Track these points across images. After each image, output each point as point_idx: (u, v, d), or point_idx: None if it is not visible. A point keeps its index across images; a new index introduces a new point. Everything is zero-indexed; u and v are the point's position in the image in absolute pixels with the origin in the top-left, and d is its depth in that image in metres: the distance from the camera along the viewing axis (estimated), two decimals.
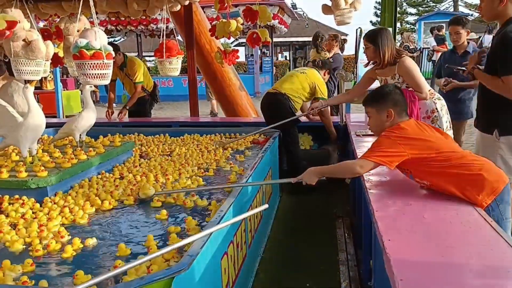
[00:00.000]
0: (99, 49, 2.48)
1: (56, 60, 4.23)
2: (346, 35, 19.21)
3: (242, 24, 4.77)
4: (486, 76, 2.52)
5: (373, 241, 1.88)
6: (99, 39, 2.49)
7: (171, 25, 5.99)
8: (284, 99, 4.14)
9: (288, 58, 25.72)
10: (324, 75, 4.40)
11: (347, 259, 2.72)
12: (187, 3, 4.43)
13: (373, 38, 3.12)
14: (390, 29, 4.51)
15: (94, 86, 3.27)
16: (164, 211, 2.17)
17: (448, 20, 5.06)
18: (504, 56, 2.33)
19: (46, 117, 2.77)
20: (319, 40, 5.73)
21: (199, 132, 4.25)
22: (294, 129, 4.24)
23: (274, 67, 18.78)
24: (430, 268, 1.26)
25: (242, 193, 2.25)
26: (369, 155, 1.96)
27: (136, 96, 5.27)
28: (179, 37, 6.57)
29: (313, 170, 2.17)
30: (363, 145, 3.05)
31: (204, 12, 8.64)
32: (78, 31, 3.62)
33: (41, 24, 5.77)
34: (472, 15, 29.68)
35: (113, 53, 2.59)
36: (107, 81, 2.61)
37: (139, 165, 3.12)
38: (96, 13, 4.82)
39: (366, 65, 3.48)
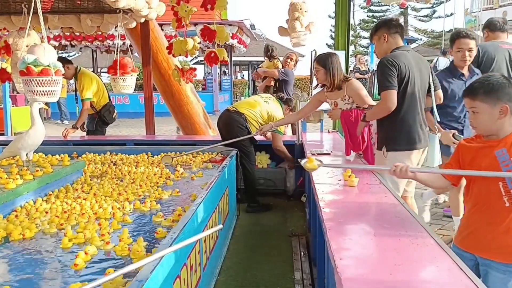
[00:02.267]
0: (48, 66, 2.40)
1: (4, 76, 4.06)
2: (303, 56, 19.72)
3: (200, 43, 4.78)
4: (370, 110, 2.93)
5: (326, 259, 1.90)
6: (48, 55, 2.41)
7: (128, 42, 5.91)
8: (241, 119, 4.17)
9: (246, 78, 25.97)
10: (286, 110, 4.49)
11: (302, 278, 2.72)
12: (142, 20, 4.40)
13: (323, 62, 3.29)
14: (343, 52, 4.69)
15: (44, 103, 3.15)
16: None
17: None
18: (379, 78, 2.72)
19: None
20: (270, 51, 5.84)
21: (155, 150, 4.16)
22: (250, 148, 4.26)
23: (233, 86, 18.88)
24: (378, 285, 1.28)
25: (196, 214, 2.21)
26: None
27: (84, 114, 4.93)
28: (136, 54, 6.48)
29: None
30: None
31: (162, 29, 8.61)
32: (27, 46, 3.49)
33: None
34: (421, 39, 31.44)
35: (62, 69, 2.51)
36: (55, 99, 2.52)
37: (85, 187, 2.96)
38: (48, 28, 4.70)
39: (315, 87, 3.61)
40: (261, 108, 4.29)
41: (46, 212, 2.41)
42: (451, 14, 32.23)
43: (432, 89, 2.90)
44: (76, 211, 2.42)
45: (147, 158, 3.95)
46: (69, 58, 5.54)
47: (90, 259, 1.83)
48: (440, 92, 3.03)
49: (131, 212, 2.45)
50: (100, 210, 2.42)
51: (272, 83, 5.57)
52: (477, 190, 1.87)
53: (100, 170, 3.50)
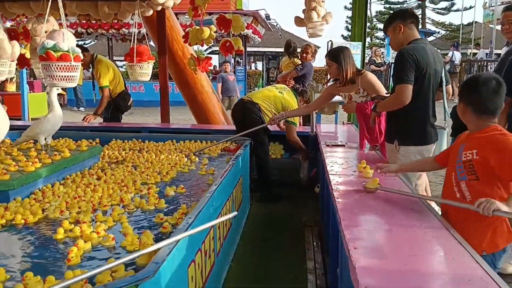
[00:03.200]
0: (67, 51, 2.43)
1: (22, 62, 4.12)
2: (318, 47, 19.54)
3: (216, 32, 4.78)
4: (382, 102, 2.84)
5: (340, 249, 1.90)
6: (67, 41, 2.44)
7: (144, 30, 5.94)
8: (255, 108, 4.17)
9: (260, 68, 25.89)
10: (300, 102, 4.47)
11: (315, 267, 2.73)
12: (159, 8, 4.41)
13: (335, 57, 3.26)
14: (360, 43, 4.64)
15: (61, 88, 3.19)
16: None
17: None
18: (396, 71, 2.64)
19: (10, 119, 2.68)
20: (291, 48, 5.81)
21: (169, 138, 4.19)
22: (264, 138, 4.27)
23: (247, 76, 18.84)
24: (393, 275, 1.29)
25: (211, 201, 2.23)
26: None
27: (104, 101, 5.02)
28: (152, 43, 6.51)
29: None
30: (333, 155, 3.10)
31: (178, 18, 8.62)
32: (46, 32, 3.53)
33: (8, 24, 5.60)
34: (438, 32, 30.90)
35: (81, 55, 2.54)
36: (74, 84, 2.54)
37: (102, 172, 2.98)
38: (66, 15, 4.73)
39: (328, 81, 3.59)
40: (276, 99, 4.29)
41: (58, 197, 2.44)
42: (470, 7, 31.66)
43: (444, 83, 2.84)
44: (86, 197, 2.42)
45: (172, 144, 4.02)
46: (85, 46, 5.60)
47: (83, 254, 1.73)
48: (450, 87, 2.97)
49: (133, 209, 2.29)
50: (104, 200, 2.38)
51: (292, 82, 5.54)
52: (446, 178, 2.03)
53: (120, 156, 3.53)
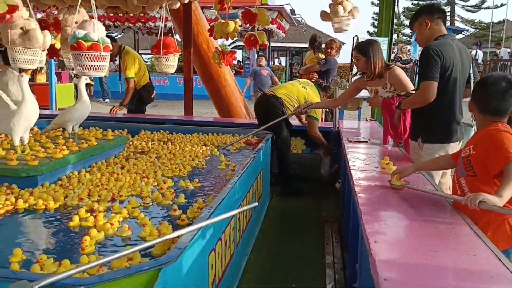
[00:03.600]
0: (97, 41, 2.49)
1: (52, 52, 4.22)
2: (343, 43, 19.32)
3: (240, 26, 4.80)
4: (407, 99, 2.81)
5: (360, 243, 1.91)
6: (98, 31, 2.50)
7: (170, 24, 6.00)
8: (277, 102, 4.18)
9: (284, 64, 25.81)
10: (323, 97, 4.46)
11: (333, 262, 2.74)
12: (186, 1, 4.45)
13: (364, 50, 3.21)
14: (386, 38, 4.59)
15: (90, 78, 3.27)
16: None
17: None
18: (421, 67, 2.60)
19: (39, 108, 2.77)
20: (317, 42, 5.78)
21: (192, 131, 4.25)
22: (286, 132, 4.27)
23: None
24: (413, 270, 1.29)
25: (232, 192, 2.26)
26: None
27: (129, 92, 5.13)
28: (177, 36, 6.58)
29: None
30: (355, 150, 3.09)
31: (203, 12, 8.67)
32: (76, 23, 3.62)
33: (39, 16, 5.75)
34: (467, 30, 30.13)
35: (110, 45, 2.60)
36: (103, 73, 2.61)
37: (126, 162, 3.04)
38: (96, 7, 4.83)
39: (355, 75, 3.55)
40: (299, 93, 4.28)
41: (83, 184, 2.49)
42: (502, 5, 30.71)
43: (472, 80, 2.78)
44: (108, 186, 2.46)
45: (197, 136, 4.09)
46: (113, 37, 5.73)
47: (96, 243, 1.75)
48: None
49: (149, 203, 2.27)
50: (124, 190, 2.40)
51: (316, 75, 5.52)
52: None
53: (146, 146, 3.59)
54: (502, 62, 15.08)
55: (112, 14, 13.41)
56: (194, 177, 2.73)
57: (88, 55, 2.50)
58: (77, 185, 2.48)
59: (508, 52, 17.17)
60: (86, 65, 2.53)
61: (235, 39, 5.21)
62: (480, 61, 14.92)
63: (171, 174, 2.80)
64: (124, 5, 4.26)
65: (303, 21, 17.95)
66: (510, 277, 1.23)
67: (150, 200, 2.28)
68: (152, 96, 5.51)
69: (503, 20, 27.26)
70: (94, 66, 2.53)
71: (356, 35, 4.43)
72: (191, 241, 1.51)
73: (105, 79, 13.14)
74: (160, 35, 4.21)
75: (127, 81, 5.10)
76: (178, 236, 1.55)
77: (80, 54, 2.51)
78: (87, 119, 3.35)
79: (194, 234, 1.56)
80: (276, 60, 26.70)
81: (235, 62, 18.17)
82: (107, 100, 13.65)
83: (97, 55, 2.49)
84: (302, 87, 4.38)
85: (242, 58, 21.39)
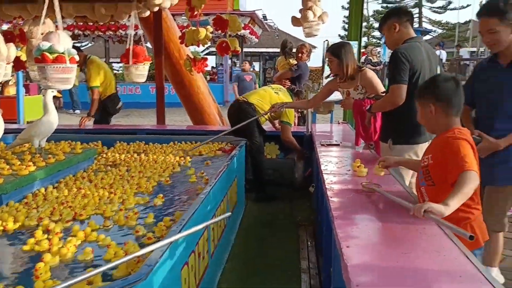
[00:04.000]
0: (62, 53, 2.43)
1: (18, 64, 4.11)
2: (314, 47, 19.56)
3: (212, 32, 4.79)
4: (377, 102, 2.85)
5: (333, 248, 1.91)
6: (63, 43, 2.43)
7: (140, 31, 5.94)
8: (250, 109, 4.18)
9: (257, 69, 25.88)
10: None
11: (308, 267, 2.74)
12: (156, 9, 4.41)
13: (336, 52, 3.25)
14: (356, 42, 4.65)
15: (57, 91, 3.19)
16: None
17: None
18: (390, 71, 2.65)
19: (5, 122, 2.67)
20: (287, 47, 5.82)
21: (165, 140, 4.20)
22: (260, 138, 4.27)
23: None
24: (385, 273, 1.29)
25: (205, 202, 2.23)
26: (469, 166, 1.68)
27: (95, 102, 5.01)
28: (148, 44, 6.51)
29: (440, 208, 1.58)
30: (328, 154, 3.11)
31: (175, 19, 8.60)
32: (42, 34, 3.53)
33: (5, 27, 5.59)
34: (435, 31, 30.98)
35: (77, 57, 2.53)
36: (69, 86, 2.54)
37: (94, 176, 2.94)
38: (62, 17, 4.73)
39: (327, 77, 3.59)
40: (271, 98, 4.29)
41: (47, 201, 2.38)
42: (467, 6, 31.75)
43: None
44: (73, 203, 2.35)
45: (176, 144, 4.03)
46: (78, 46, 5.65)
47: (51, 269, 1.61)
48: None
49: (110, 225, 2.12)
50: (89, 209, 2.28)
51: (288, 83, 5.55)
52: None
53: (119, 159, 3.50)
54: (463, 62, 15.60)
55: (81, 23, 13.19)
56: (164, 191, 2.65)
57: (54, 67, 2.43)
58: (42, 203, 2.38)
59: (468, 52, 17.84)
60: (52, 78, 2.46)
61: (208, 45, 5.19)
62: (444, 61, 15.38)
63: (135, 190, 2.62)
64: (91, 15, 4.19)
65: (275, 26, 18.11)
66: (479, 276, 1.25)
67: (112, 222, 2.12)
68: (117, 107, 5.39)
69: (469, 21, 28.16)
70: (60, 78, 2.46)
71: (326, 40, 4.48)
72: (161, 256, 1.48)
73: (74, 89, 12.86)
74: (129, 44, 4.15)
75: (91, 90, 5.00)
76: (146, 254, 1.51)
77: (45, 67, 2.44)
78: (55, 132, 3.25)
79: (164, 250, 1.53)
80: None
81: (208, 68, 18.15)
82: (77, 111, 13.36)
83: (63, 67, 2.43)
84: (275, 92, 4.39)
85: (216, 64, 21.32)
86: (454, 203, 1.58)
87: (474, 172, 1.64)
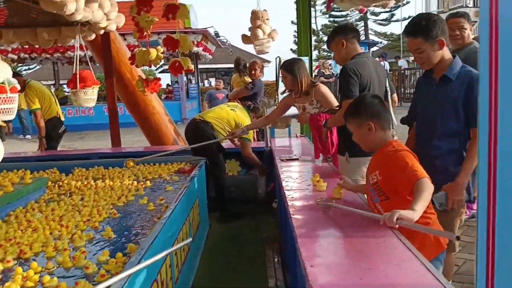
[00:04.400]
0: (2, 83, 2.30)
1: None
2: (268, 62, 19.84)
3: (163, 52, 4.73)
4: (334, 117, 2.90)
5: (298, 267, 1.90)
6: (2, 72, 2.31)
7: (89, 52, 5.78)
8: (207, 127, 4.15)
9: (213, 85, 25.88)
10: (253, 118, 4.50)
11: (276, 285, 2.72)
12: (102, 32, 4.30)
13: (290, 69, 3.31)
14: (307, 57, 4.75)
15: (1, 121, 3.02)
16: None
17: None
18: (341, 87, 2.70)
19: None
20: (241, 66, 5.84)
21: (121, 164, 4.06)
22: (219, 156, 4.24)
23: (200, 94, 18.75)
24: None
25: (166, 227, 2.16)
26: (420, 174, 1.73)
27: (40, 124, 5.06)
28: (98, 64, 6.34)
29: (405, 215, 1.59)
30: (288, 169, 3.12)
31: (125, 39, 8.46)
32: None
33: None
34: (381, 42, 32.32)
35: (18, 86, 2.41)
36: (12, 116, 2.41)
37: (45, 207, 2.78)
38: (3, 44, 4.54)
39: (283, 92, 3.63)
40: (228, 116, 4.28)
41: None
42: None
43: (389, 93, 2.96)
44: (22, 239, 2.19)
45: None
46: (17, 71, 5.67)
47: None
48: (395, 96, 3.11)
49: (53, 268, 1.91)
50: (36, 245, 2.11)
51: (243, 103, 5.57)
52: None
53: (73, 187, 3.34)
54: (403, 71, 16.44)
55: (27, 46, 12.67)
56: (116, 221, 2.52)
57: None
58: None
59: (407, 61, 18.95)
60: None
61: (161, 63, 5.13)
62: (388, 71, 16.17)
63: (86, 223, 2.45)
64: (34, 40, 4.03)
65: (228, 42, 18.22)
66: (438, 286, 1.28)
67: (55, 264, 1.93)
68: (60, 131, 5.41)
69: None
70: (2, 109, 2.33)
71: (278, 56, 4.54)
72: None
73: (24, 114, 12.31)
74: (76, 68, 4.02)
75: (34, 114, 5.05)
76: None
77: None
78: (2, 162, 3.06)
79: (123, 283, 1.46)
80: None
81: (164, 86, 17.94)
82: (28, 136, 12.77)
83: (4, 97, 2.30)
84: (231, 109, 4.39)
85: (171, 81, 21.14)
86: (420, 207, 1.62)
87: (426, 179, 1.71)
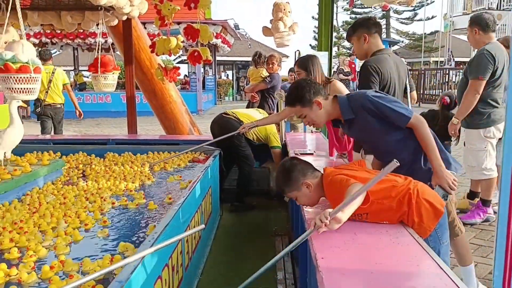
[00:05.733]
0: (26, 63, 2.34)
1: None
2: (287, 56, 19.78)
3: (183, 42, 4.74)
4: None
5: (308, 259, 1.90)
6: (27, 52, 2.35)
7: (110, 40, 5.83)
8: (236, 123, 4.14)
9: (230, 77, 25.94)
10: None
11: (285, 277, 2.72)
12: (124, 18, 4.33)
13: (304, 65, 3.30)
14: (326, 53, 4.72)
15: (22, 101, 3.08)
16: None
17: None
18: (361, 84, 2.70)
19: None
20: (257, 57, 5.81)
21: (137, 150, 4.11)
22: (248, 150, 4.24)
23: (217, 86, 18.83)
24: (360, 284, 1.29)
25: (179, 214, 2.19)
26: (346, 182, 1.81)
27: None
28: (118, 52, 6.40)
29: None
30: None
31: (145, 28, 8.51)
32: (5, 43, 3.41)
33: None
34: (402, 41, 31.91)
35: (42, 67, 2.45)
36: (34, 96, 2.46)
37: (60, 189, 2.83)
38: (28, 25, 4.61)
39: None
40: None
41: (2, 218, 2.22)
42: (432, 17, 32.91)
43: (408, 90, 2.92)
44: (27, 223, 2.17)
45: (154, 154, 3.93)
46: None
47: None
48: (414, 93, 3.07)
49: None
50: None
51: (256, 97, 5.57)
52: None
53: (89, 169, 3.41)
54: (423, 72, 16.26)
55: (49, 31, 12.86)
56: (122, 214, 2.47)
57: (17, 77, 2.34)
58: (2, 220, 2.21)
59: (434, 62, 18.55)
60: (16, 88, 2.37)
61: (180, 53, 5.14)
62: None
63: (99, 207, 2.46)
64: (58, 23, 4.08)
65: (247, 35, 18.21)
66: (450, 284, 1.27)
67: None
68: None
69: (435, 31, 29.13)
70: (24, 89, 2.37)
71: (297, 50, 4.53)
72: (132, 272, 1.43)
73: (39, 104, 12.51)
74: (98, 52, 4.06)
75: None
76: (117, 270, 1.46)
77: (8, 77, 2.35)
78: (21, 143, 3.13)
79: (136, 265, 1.48)
80: (223, 73, 26.80)
81: (180, 77, 18.05)
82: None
83: (27, 77, 2.34)
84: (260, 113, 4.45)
85: (188, 72, 21.25)
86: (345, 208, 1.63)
87: (353, 184, 1.74)
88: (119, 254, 1.87)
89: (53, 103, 6.33)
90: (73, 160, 3.77)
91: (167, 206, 2.58)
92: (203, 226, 1.99)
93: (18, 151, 3.33)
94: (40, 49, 14.18)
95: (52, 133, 6.35)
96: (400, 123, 2.02)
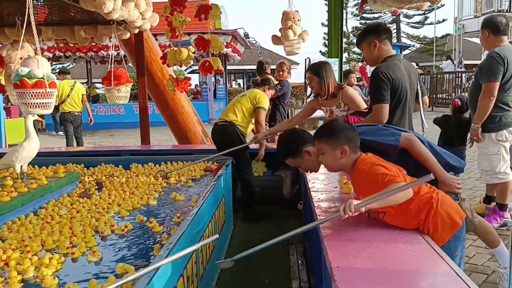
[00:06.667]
0: (42, 78, 2.39)
1: None
2: (297, 64, 19.81)
3: (194, 52, 4.80)
4: (364, 121, 2.83)
5: (323, 268, 1.89)
6: (42, 68, 2.40)
7: (122, 52, 5.93)
8: (230, 127, 4.16)
9: (241, 86, 26.04)
10: (264, 90, 4.43)
11: (300, 287, 2.70)
12: (136, 31, 4.41)
13: (317, 71, 3.29)
14: (337, 59, 4.72)
15: (38, 115, 3.14)
16: None
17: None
18: (372, 91, 2.70)
19: None
20: (263, 69, 5.79)
21: (150, 160, 4.14)
22: (245, 155, 4.25)
23: (228, 95, 18.90)
24: None
25: (193, 224, 2.20)
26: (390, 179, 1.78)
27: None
28: (131, 64, 6.49)
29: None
30: None
31: (157, 39, 8.62)
32: (20, 58, 3.49)
33: None
34: (413, 45, 31.70)
35: (56, 81, 2.50)
36: (50, 110, 2.51)
37: (76, 202, 2.83)
38: (42, 40, 4.71)
39: (309, 96, 3.63)
40: (242, 103, 4.24)
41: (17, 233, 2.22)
42: (444, 20, 32.67)
43: (420, 95, 2.89)
44: (42, 235, 2.20)
45: (168, 165, 3.94)
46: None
47: None
48: (426, 98, 3.04)
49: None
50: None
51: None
52: None
53: (107, 181, 3.43)
54: (435, 76, 16.18)
55: (62, 45, 13.13)
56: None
57: (33, 92, 2.39)
58: (13, 235, 2.22)
59: (453, 62, 18.38)
60: (31, 103, 2.42)
61: (191, 63, 5.19)
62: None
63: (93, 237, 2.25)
64: (71, 38, 4.16)
65: (257, 43, 18.30)
66: None
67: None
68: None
69: (446, 35, 28.90)
70: (40, 103, 2.42)
71: (308, 57, 4.54)
72: (148, 283, 1.44)
73: (56, 111, 12.72)
74: (111, 65, 4.13)
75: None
76: (136, 279, 1.47)
77: (24, 92, 2.41)
78: (37, 156, 3.19)
79: (152, 275, 1.49)
80: (234, 82, 26.95)
81: (192, 87, 18.19)
82: (60, 132, 13.18)
83: (43, 92, 2.39)
84: (241, 96, 4.40)
85: (200, 82, 21.40)
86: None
87: (396, 184, 1.70)
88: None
89: (72, 111, 7.66)
90: (90, 174, 3.80)
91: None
92: (217, 236, 2.00)
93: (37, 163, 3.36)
94: (62, 65, 14.61)
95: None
96: (392, 152, 2.09)
